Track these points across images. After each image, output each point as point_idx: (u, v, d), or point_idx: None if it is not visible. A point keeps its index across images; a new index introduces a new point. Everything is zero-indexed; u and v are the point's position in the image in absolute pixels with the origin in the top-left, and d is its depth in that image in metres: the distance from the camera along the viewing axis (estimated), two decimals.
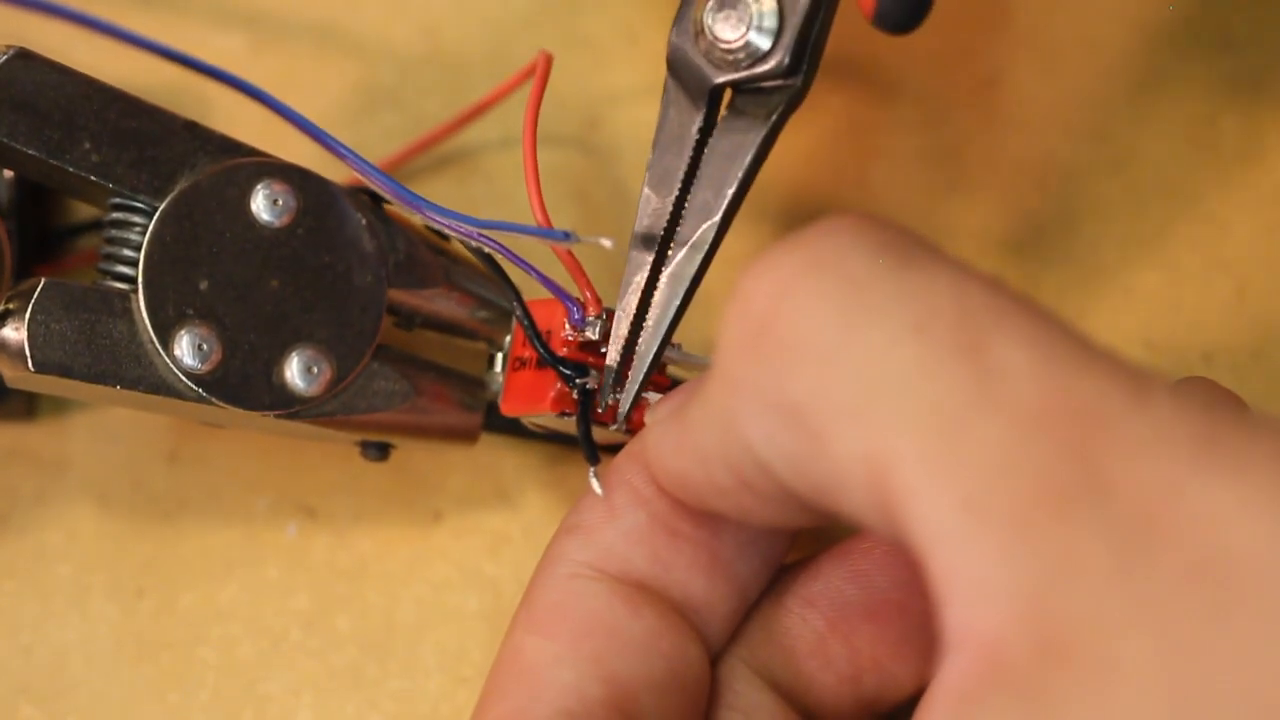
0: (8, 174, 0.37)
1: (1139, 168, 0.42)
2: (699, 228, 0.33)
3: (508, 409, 0.35)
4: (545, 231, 0.32)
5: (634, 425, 0.34)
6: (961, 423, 0.23)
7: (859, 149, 0.42)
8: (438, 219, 0.32)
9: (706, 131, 0.33)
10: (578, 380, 0.34)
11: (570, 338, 0.34)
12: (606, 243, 0.31)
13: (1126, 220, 0.42)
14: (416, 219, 0.33)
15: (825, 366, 0.25)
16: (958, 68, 0.43)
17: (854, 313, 0.25)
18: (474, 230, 0.32)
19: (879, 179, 0.42)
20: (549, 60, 0.35)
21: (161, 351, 0.33)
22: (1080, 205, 0.42)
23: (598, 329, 0.34)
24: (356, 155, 0.32)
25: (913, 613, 0.32)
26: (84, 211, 0.39)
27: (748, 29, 0.32)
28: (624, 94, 0.42)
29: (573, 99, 0.42)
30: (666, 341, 0.33)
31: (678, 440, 0.29)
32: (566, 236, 0.32)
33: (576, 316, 0.34)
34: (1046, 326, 0.24)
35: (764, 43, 0.32)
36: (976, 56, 0.43)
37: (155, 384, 0.33)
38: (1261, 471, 0.22)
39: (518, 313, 0.34)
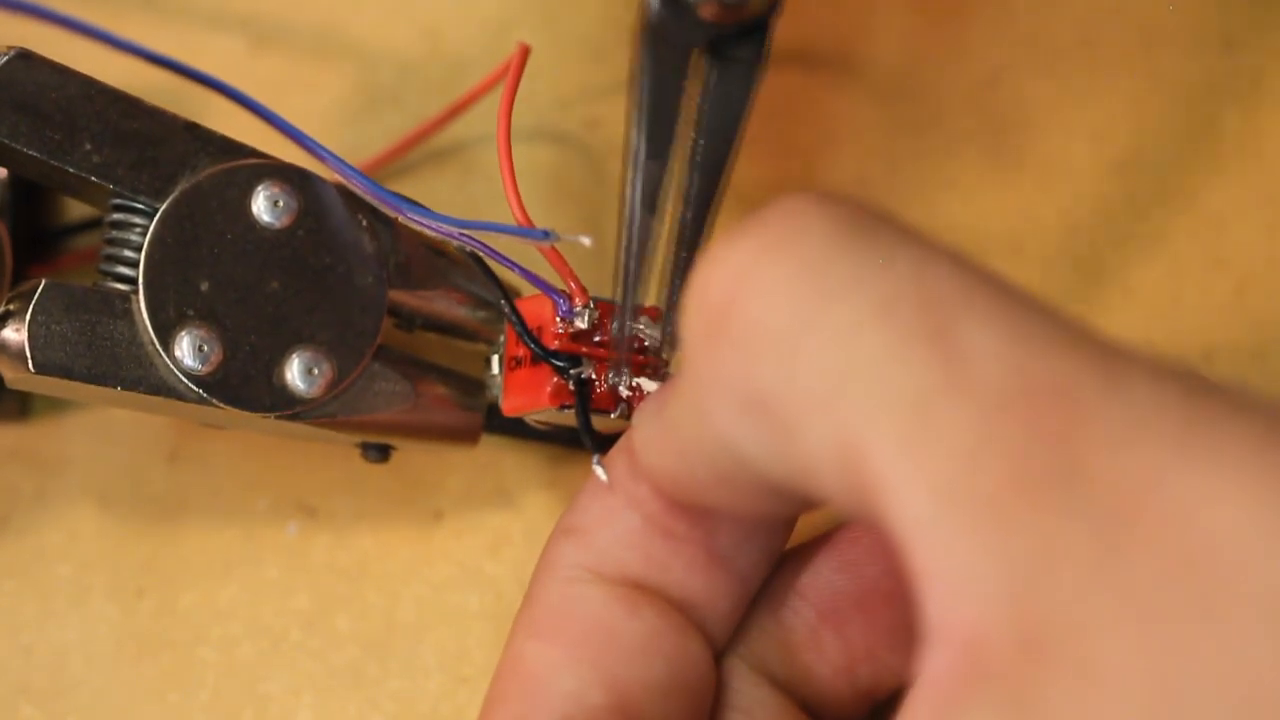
0: (1, 173, 0.37)
1: (1139, 168, 0.42)
2: (713, 182, 0.32)
3: (509, 409, 0.35)
4: (525, 231, 0.32)
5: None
6: (931, 409, 0.22)
7: (858, 148, 0.42)
8: (417, 219, 0.32)
9: (686, 86, 0.32)
10: (572, 371, 0.34)
11: (561, 330, 0.34)
12: (585, 240, 0.31)
13: (1126, 220, 0.42)
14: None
15: (788, 355, 0.24)
16: (957, 67, 0.43)
17: (814, 297, 0.24)
18: (454, 230, 0.32)
19: (878, 178, 0.42)
20: (525, 52, 0.34)
21: (162, 352, 0.33)
22: (1080, 205, 0.42)
23: (586, 318, 0.34)
24: (335, 156, 0.32)
25: (903, 601, 0.31)
26: (76, 211, 0.39)
27: None
28: (624, 93, 0.42)
29: (573, 98, 0.41)
30: (677, 301, 0.32)
31: (660, 438, 0.29)
32: (546, 235, 0.31)
33: (564, 309, 0.34)
34: (1016, 305, 0.23)
35: None
36: (976, 56, 0.43)
37: (156, 385, 0.33)
38: (1244, 457, 0.21)
39: (505, 309, 0.34)
